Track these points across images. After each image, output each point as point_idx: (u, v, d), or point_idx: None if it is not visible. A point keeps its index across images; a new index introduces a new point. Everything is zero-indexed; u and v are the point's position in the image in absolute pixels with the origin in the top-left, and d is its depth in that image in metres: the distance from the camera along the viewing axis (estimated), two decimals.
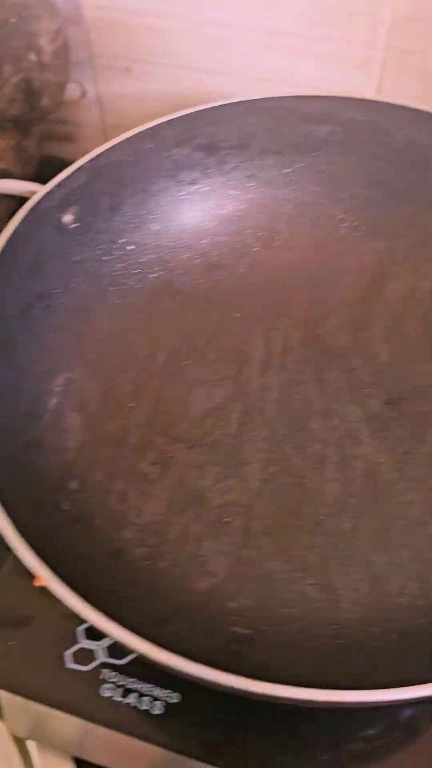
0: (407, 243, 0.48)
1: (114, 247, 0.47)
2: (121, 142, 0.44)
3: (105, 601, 0.30)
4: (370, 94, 0.56)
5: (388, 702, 0.28)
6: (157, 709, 0.38)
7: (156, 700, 0.38)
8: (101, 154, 0.44)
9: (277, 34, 0.56)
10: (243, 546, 0.39)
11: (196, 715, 0.38)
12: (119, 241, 0.47)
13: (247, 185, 0.49)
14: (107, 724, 0.38)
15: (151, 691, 0.38)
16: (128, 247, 0.47)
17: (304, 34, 0.55)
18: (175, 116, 0.45)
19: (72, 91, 0.65)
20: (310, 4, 0.54)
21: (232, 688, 0.28)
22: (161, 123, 0.45)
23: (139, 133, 0.44)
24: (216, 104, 0.46)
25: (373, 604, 0.37)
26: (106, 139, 0.60)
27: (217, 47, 0.58)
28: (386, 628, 0.36)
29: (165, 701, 0.38)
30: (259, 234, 0.49)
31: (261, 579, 0.38)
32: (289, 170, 0.48)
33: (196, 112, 0.46)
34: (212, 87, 0.61)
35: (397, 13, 0.52)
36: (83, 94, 0.67)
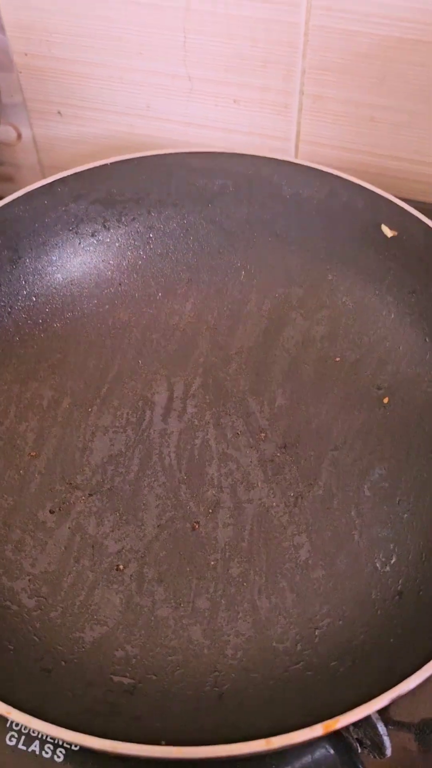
0: (301, 290, 0.50)
1: (17, 299, 0.48)
2: (15, 198, 0.45)
3: None
4: (290, 137, 0.58)
5: (247, 754, 0.30)
6: (59, 756, 0.39)
7: (58, 747, 0.39)
8: None
9: (200, 80, 0.58)
10: (135, 593, 0.41)
11: (93, 761, 0.39)
12: (21, 293, 0.48)
13: (148, 236, 0.50)
14: None
15: (52, 738, 0.39)
16: (32, 298, 0.49)
17: (224, 81, 0.57)
18: (69, 173, 0.47)
19: (8, 133, 0.67)
20: (228, 52, 0.55)
21: (91, 749, 0.29)
22: (54, 180, 0.46)
23: (33, 190, 0.46)
24: (108, 161, 0.48)
25: (256, 649, 0.38)
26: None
27: (145, 93, 0.59)
28: (264, 674, 0.37)
29: (65, 748, 0.39)
30: (161, 282, 0.51)
31: (150, 626, 0.39)
32: (186, 221, 0.50)
33: (89, 169, 0.47)
34: (142, 130, 0.62)
35: (308, 62, 0.54)
36: (19, 137, 0.68)
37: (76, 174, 0.46)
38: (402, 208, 0.44)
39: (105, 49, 0.58)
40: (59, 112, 0.65)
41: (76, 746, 0.36)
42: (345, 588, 0.40)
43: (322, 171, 0.47)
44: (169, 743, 0.31)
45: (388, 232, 0.46)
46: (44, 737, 0.38)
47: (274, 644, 0.38)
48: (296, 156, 0.59)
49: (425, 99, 0.54)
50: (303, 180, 0.47)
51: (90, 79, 0.61)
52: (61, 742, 0.37)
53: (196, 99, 0.60)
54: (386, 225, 0.46)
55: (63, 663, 0.37)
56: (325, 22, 0.51)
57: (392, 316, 0.47)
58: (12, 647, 0.37)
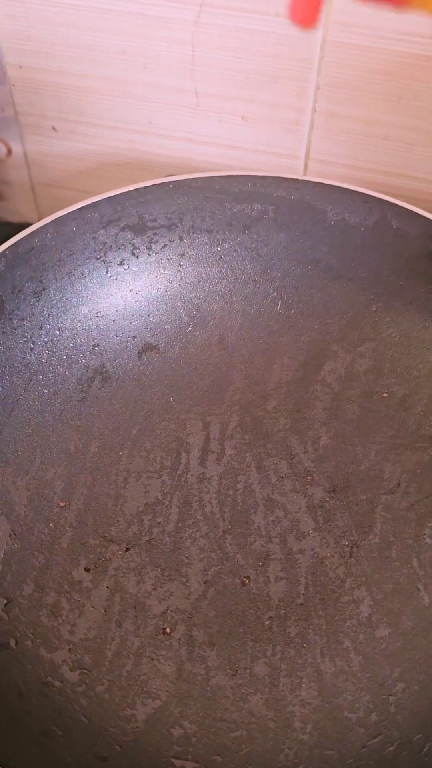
0: (342, 321, 0.47)
1: (40, 333, 0.44)
2: (43, 225, 0.41)
3: (32, 744, 0.27)
4: (299, 155, 0.56)
5: None
6: None
7: None
8: (22, 239, 0.41)
9: (206, 95, 0.55)
10: (186, 659, 0.37)
11: None
12: (45, 327, 0.44)
13: (179, 264, 0.47)
14: None
15: None
16: (55, 332, 0.45)
17: (232, 96, 0.54)
18: (101, 198, 0.43)
19: None
20: (238, 67, 0.53)
21: None
22: (86, 205, 0.43)
23: (62, 216, 0.42)
24: (142, 185, 0.44)
25: (326, 720, 0.35)
26: (36, 198, 0.57)
27: (146, 108, 0.56)
28: (341, 751, 0.34)
29: None
30: (193, 313, 0.47)
31: (207, 698, 0.36)
32: (221, 248, 0.47)
33: (122, 193, 0.44)
34: (142, 146, 0.59)
35: (322, 78, 0.52)
36: (9, 152, 0.64)
37: (108, 198, 0.43)
38: None
39: (108, 62, 0.55)
40: (54, 128, 0.61)
41: None
42: (416, 648, 0.37)
43: (371, 196, 0.44)
44: None
45: None
46: None
47: (346, 714, 0.35)
48: (305, 173, 0.57)
49: None
50: (350, 206, 0.44)
51: (90, 93, 0.58)
52: None
53: (202, 115, 0.57)
54: None
55: (118, 748, 0.33)
56: (342, 38, 0.49)
57: None
58: (61, 733, 0.33)
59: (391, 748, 0.33)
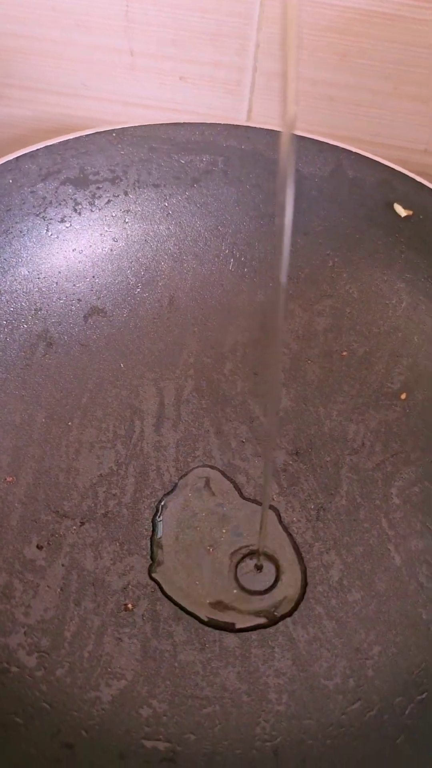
0: (298, 279, 0.45)
1: None
2: None
3: None
4: (240, 117, 0.54)
5: None
6: None
7: None
8: None
9: (142, 55, 0.52)
10: (151, 636, 0.35)
11: None
12: None
13: (124, 221, 0.44)
14: None
15: None
16: None
17: (169, 55, 0.52)
18: (39, 147, 0.40)
19: None
20: (174, 23, 0.50)
21: None
22: (23, 155, 0.39)
23: None
24: (84, 133, 0.41)
25: (302, 690, 0.33)
26: None
27: (79, 69, 0.53)
28: (320, 720, 0.32)
29: None
30: (141, 274, 0.45)
31: (175, 675, 0.34)
32: (168, 204, 0.44)
33: (61, 142, 0.40)
34: (76, 111, 0.56)
35: (263, 35, 0.49)
36: None
37: (47, 148, 0.40)
38: (421, 185, 0.40)
39: (37, 20, 0.51)
40: None
41: None
42: (391, 610, 0.36)
43: (328, 144, 0.42)
44: None
45: (402, 212, 0.42)
46: None
47: (322, 681, 0.33)
48: None
49: (388, 77, 0.50)
50: (304, 155, 0.42)
51: (18, 54, 0.54)
52: None
53: (139, 76, 0.54)
54: (400, 204, 0.42)
55: (84, 733, 0.31)
56: None
57: (404, 304, 0.43)
58: (21, 722, 0.30)
59: (371, 713, 0.32)
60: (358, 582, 0.37)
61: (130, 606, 0.36)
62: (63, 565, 0.36)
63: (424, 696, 0.32)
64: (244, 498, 0.39)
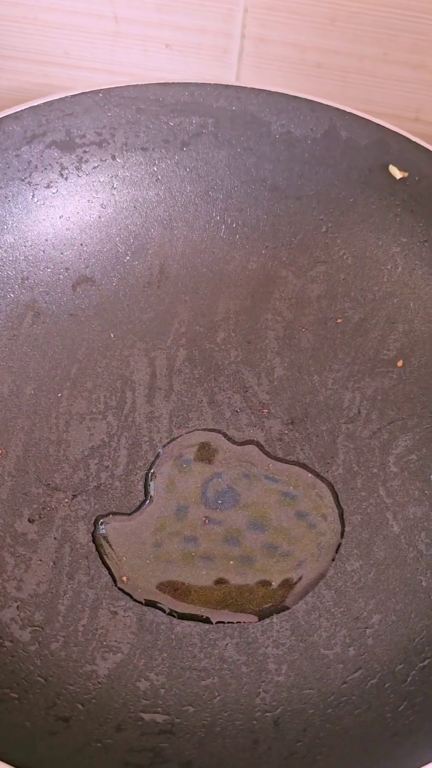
0: (291, 245, 0.44)
1: None
2: None
3: None
4: (228, 83, 0.52)
5: None
6: None
7: None
8: None
9: (126, 21, 0.50)
10: (147, 608, 0.34)
11: None
12: None
13: (112, 186, 0.43)
14: None
15: None
16: None
17: (155, 21, 0.50)
18: (23, 108, 0.38)
19: None
20: None
21: None
22: (6, 116, 0.38)
23: None
24: (69, 93, 0.40)
25: (302, 660, 0.33)
26: None
27: (61, 37, 0.51)
28: (320, 689, 0.31)
29: None
30: (130, 242, 0.43)
31: (172, 647, 0.33)
32: (157, 168, 0.43)
33: (46, 102, 0.39)
34: (58, 80, 0.54)
35: (251, 1, 0.48)
36: None
37: (32, 108, 0.38)
38: (417, 145, 0.39)
39: None
40: None
41: None
42: (390, 578, 0.35)
43: (321, 104, 0.41)
44: None
45: (397, 174, 0.41)
46: None
47: (322, 651, 0.33)
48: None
49: (377, 42, 0.49)
50: (296, 116, 0.41)
51: None
52: None
53: (123, 43, 0.52)
54: (395, 165, 0.41)
55: (80, 707, 0.30)
56: None
57: (399, 269, 0.42)
58: (16, 696, 0.29)
59: (373, 681, 0.32)
60: (356, 551, 0.36)
61: (125, 579, 0.35)
62: (55, 539, 0.36)
63: (425, 663, 0.31)
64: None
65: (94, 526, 0.36)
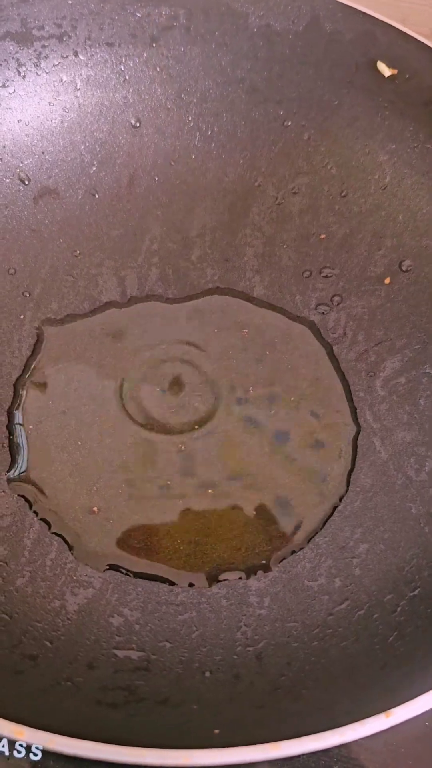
0: (270, 154, 0.41)
1: None
2: None
3: None
4: None
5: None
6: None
7: None
8: None
9: None
10: (120, 535, 0.32)
11: None
12: None
13: (75, 87, 0.39)
14: None
15: None
16: None
17: None
18: None
19: None
20: None
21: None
22: None
23: None
24: None
25: (285, 591, 0.31)
26: None
27: None
28: (304, 622, 0.30)
29: None
30: (96, 150, 0.40)
31: (146, 577, 0.31)
32: (125, 67, 0.39)
33: None
34: None
35: None
36: None
37: None
38: (408, 37, 0.36)
39: None
40: None
41: None
42: (378, 505, 0.33)
43: None
44: (221, 731, 0.24)
45: (386, 71, 0.37)
46: None
47: (306, 582, 0.31)
48: None
49: None
50: (276, 6, 0.37)
51: None
52: None
53: None
54: (383, 61, 0.37)
55: (48, 644, 0.28)
56: None
57: (387, 179, 0.39)
58: None
59: (360, 612, 0.30)
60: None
61: (95, 510, 0.33)
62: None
63: (416, 592, 0.30)
64: None
65: None
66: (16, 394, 0.35)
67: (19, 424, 0.34)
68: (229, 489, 0.33)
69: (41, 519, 0.32)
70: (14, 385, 0.35)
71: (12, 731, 0.22)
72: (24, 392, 0.35)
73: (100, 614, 0.30)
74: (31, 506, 0.32)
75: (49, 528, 0.32)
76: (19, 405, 0.35)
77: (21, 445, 0.34)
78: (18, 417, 0.34)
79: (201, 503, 0.33)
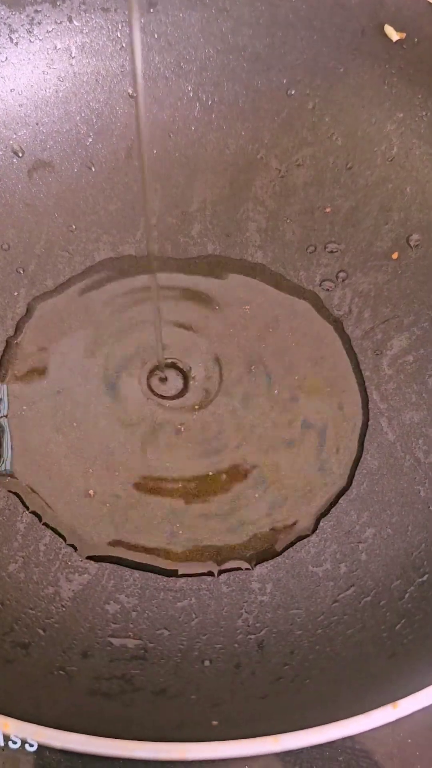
0: (274, 125, 0.39)
1: None
2: None
3: None
4: None
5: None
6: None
7: None
8: None
9: None
10: (117, 520, 0.31)
11: None
12: None
13: (70, 55, 0.37)
14: None
15: None
16: None
17: None
18: None
19: None
20: None
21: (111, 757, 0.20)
22: None
23: None
24: None
25: (288, 578, 0.30)
26: None
27: None
28: (308, 609, 0.28)
29: None
30: (92, 121, 0.38)
31: (143, 564, 0.30)
32: (121, 34, 0.37)
33: None
34: None
35: None
36: None
37: None
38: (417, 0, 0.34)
39: None
40: None
41: None
42: (385, 489, 0.32)
43: None
44: (220, 723, 0.23)
45: (394, 35, 0.36)
46: None
47: (310, 568, 0.30)
48: None
49: None
50: None
51: None
52: None
53: None
54: (391, 25, 0.35)
55: (41, 632, 0.27)
56: None
57: (394, 150, 0.38)
58: None
59: (367, 599, 0.29)
60: None
61: (91, 493, 0.32)
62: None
63: (424, 578, 0.28)
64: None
65: None
66: (7, 373, 0.34)
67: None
68: (230, 471, 0.32)
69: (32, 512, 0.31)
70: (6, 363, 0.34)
71: None
72: (15, 372, 0.34)
73: (95, 601, 0.28)
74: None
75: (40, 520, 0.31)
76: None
77: (4, 428, 0.32)
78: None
79: (201, 486, 0.32)
